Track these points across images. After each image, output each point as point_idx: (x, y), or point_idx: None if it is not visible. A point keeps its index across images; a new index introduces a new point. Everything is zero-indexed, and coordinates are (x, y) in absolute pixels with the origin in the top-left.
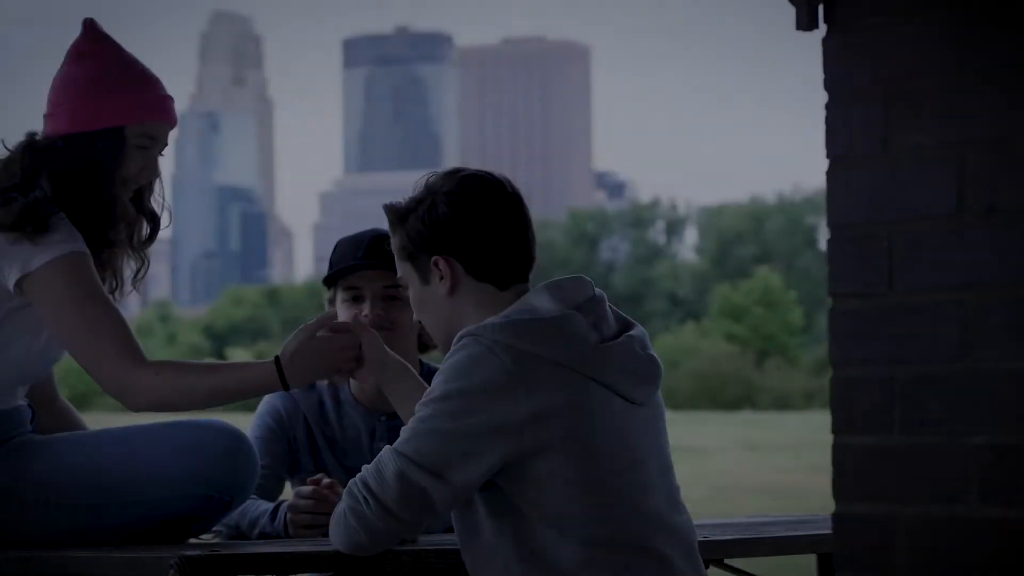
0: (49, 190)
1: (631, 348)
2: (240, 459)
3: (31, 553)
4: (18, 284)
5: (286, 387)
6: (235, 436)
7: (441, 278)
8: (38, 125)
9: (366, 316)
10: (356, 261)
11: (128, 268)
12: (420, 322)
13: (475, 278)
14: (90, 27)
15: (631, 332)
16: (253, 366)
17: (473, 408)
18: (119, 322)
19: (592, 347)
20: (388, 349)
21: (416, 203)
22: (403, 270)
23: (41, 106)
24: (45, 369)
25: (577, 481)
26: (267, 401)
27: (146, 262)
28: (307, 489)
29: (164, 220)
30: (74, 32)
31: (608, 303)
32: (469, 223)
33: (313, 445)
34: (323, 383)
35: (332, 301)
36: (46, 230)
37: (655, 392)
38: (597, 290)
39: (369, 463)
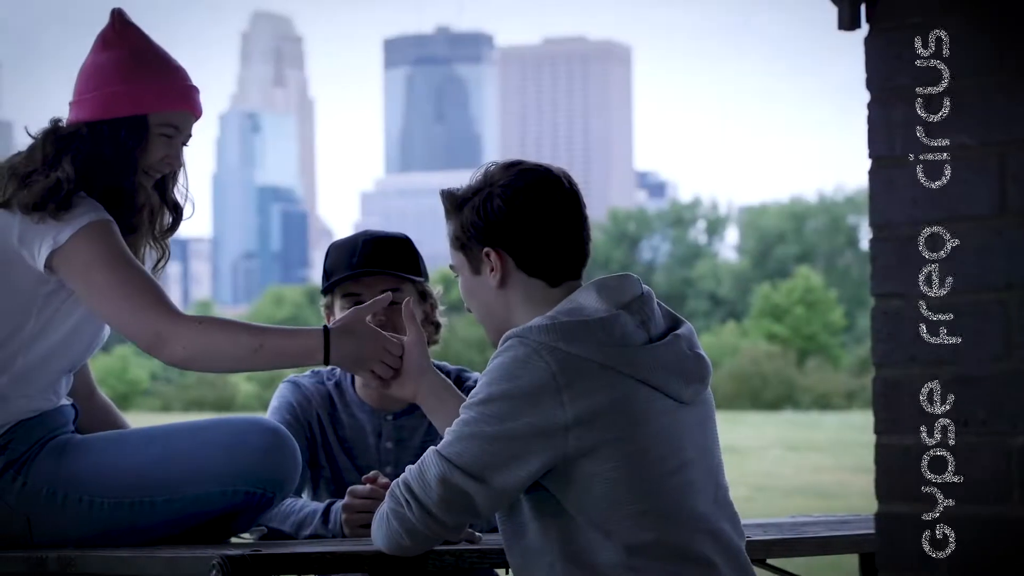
0: (72, 173)
1: (678, 347)
2: (281, 456)
3: (73, 552)
4: (48, 263)
5: (327, 361)
6: (276, 433)
7: (492, 270)
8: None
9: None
10: (353, 267)
11: (149, 259)
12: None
13: (526, 273)
14: (118, 16)
15: (678, 331)
16: (300, 333)
17: (517, 411)
18: (152, 281)
19: (638, 348)
20: (430, 361)
21: (473, 193)
22: (455, 259)
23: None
24: (85, 355)
25: (624, 483)
26: (281, 395)
27: (166, 252)
28: (363, 488)
29: (187, 211)
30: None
31: (656, 301)
32: (523, 218)
33: (325, 442)
34: (332, 379)
35: (330, 308)
36: (69, 207)
37: (704, 391)
38: (645, 288)
39: (377, 463)
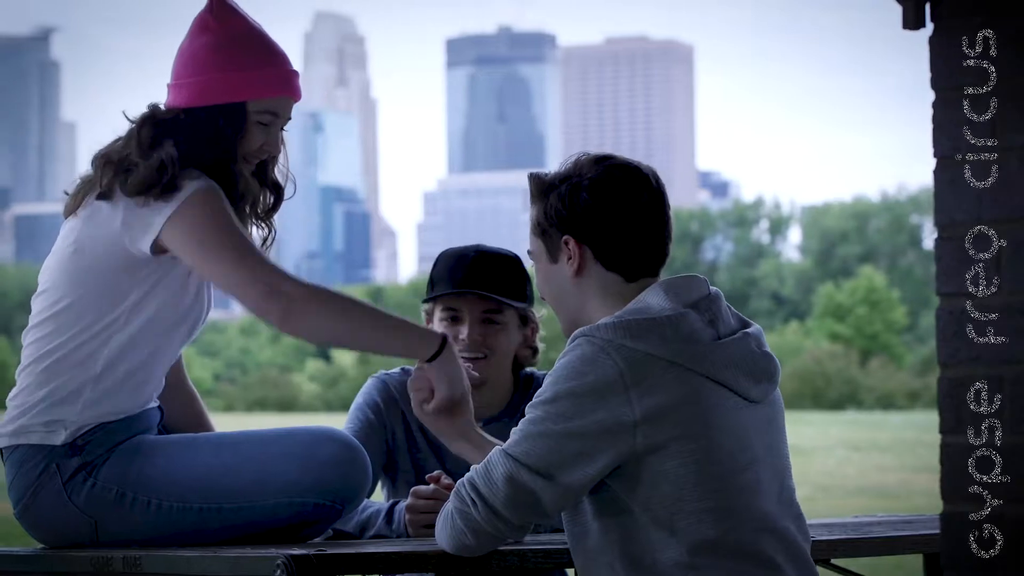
0: (175, 155)
1: (747, 345)
2: (353, 468)
3: (138, 552)
4: (156, 240)
5: (431, 360)
6: (348, 446)
7: (569, 259)
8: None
9: (463, 339)
10: (456, 284)
11: (256, 239)
12: (517, 343)
13: (603, 266)
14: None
15: (748, 330)
16: (421, 329)
17: (584, 409)
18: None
19: (707, 345)
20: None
21: (560, 180)
22: (534, 245)
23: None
24: (183, 344)
25: (691, 480)
26: (367, 392)
27: (272, 231)
28: (427, 489)
29: (288, 191)
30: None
31: (724, 302)
32: (606, 213)
33: (412, 444)
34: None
35: (429, 315)
36: (175, 188)
37: (772, 390)
38: (713, 288)
39: (467, 468)
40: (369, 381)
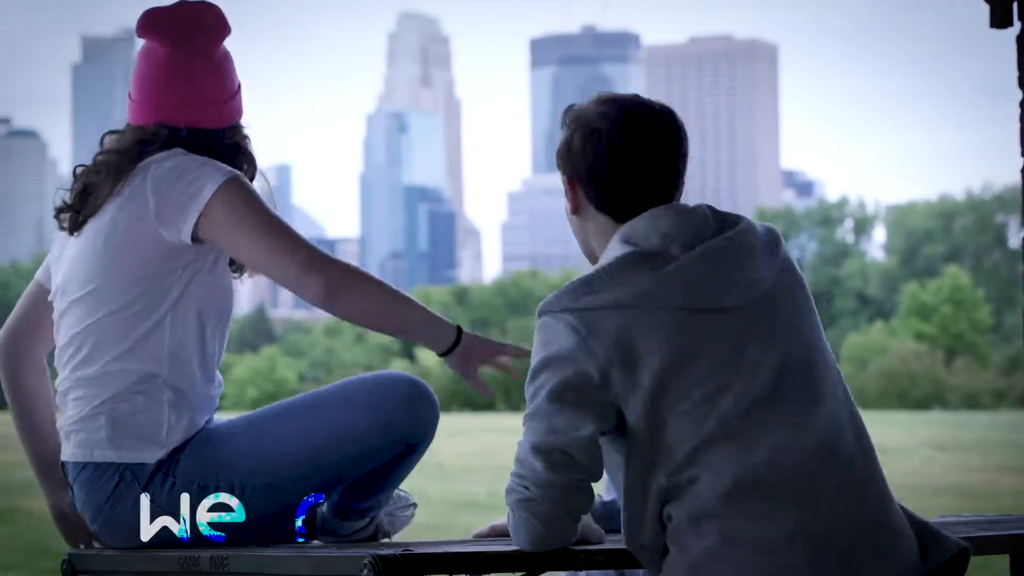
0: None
1: (703, 257)
2: (421, 405)
3: (224, 551)
4: (195, 230)
5: (447, 352)
6: (414, 384)
7: (568, 197)
8: None
9: None
10: None
11: None
12: None
13: (594, 207)
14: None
15: (726, 234)
16: (442, 322)
17: (559, 370)
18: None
19: (650, 275)
20: None
21: (564, 118)
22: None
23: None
24: (225, 336)
25: (680, 413)
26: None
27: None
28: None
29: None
30: (257, 37)
31: (709, 211)
32: (584, 152)
33: None
34: None
35: None
36: (204, 177)
37: (759, 287)
38: (689, 206)
39: None
40: None
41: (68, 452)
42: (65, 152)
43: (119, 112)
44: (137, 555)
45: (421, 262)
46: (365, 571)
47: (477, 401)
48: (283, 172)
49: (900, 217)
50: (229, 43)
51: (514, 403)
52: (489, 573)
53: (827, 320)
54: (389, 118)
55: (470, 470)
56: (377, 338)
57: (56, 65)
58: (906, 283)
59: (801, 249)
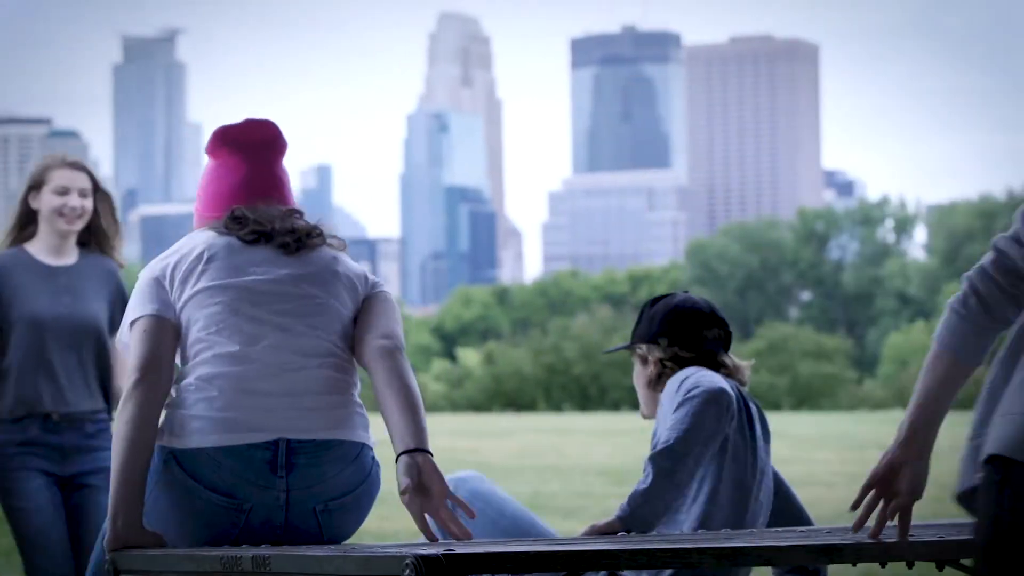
0: None
1: None
2: None
3: (267, 551)
4: None
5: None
6: None
7: None
8: None
9: None
10: None
11: None
12: None
13: None
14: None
15: None
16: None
17: None
18: None
19: None
20: None
21: None
22: None
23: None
24: None
25: None
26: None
27: None
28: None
29: None
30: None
31: None
32: None
33: None
34: None
35: None
36: None
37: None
38: None
39: None
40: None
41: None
42: (106, 152)
43: (159, 112)
44: (179, 554)
45: (462, 262)
46: (407, 571)
47: (519, 401)
48: (323, 172)
49: (941, 217)
50: (274, 42)
51: (555, 403)
52: (531, 573)
53: (868, 320)
54: (430, 118)
55: (512, 471)
56: (416, 337)
57: (97, 65)
58: (947, 283)
59: (842, 249)
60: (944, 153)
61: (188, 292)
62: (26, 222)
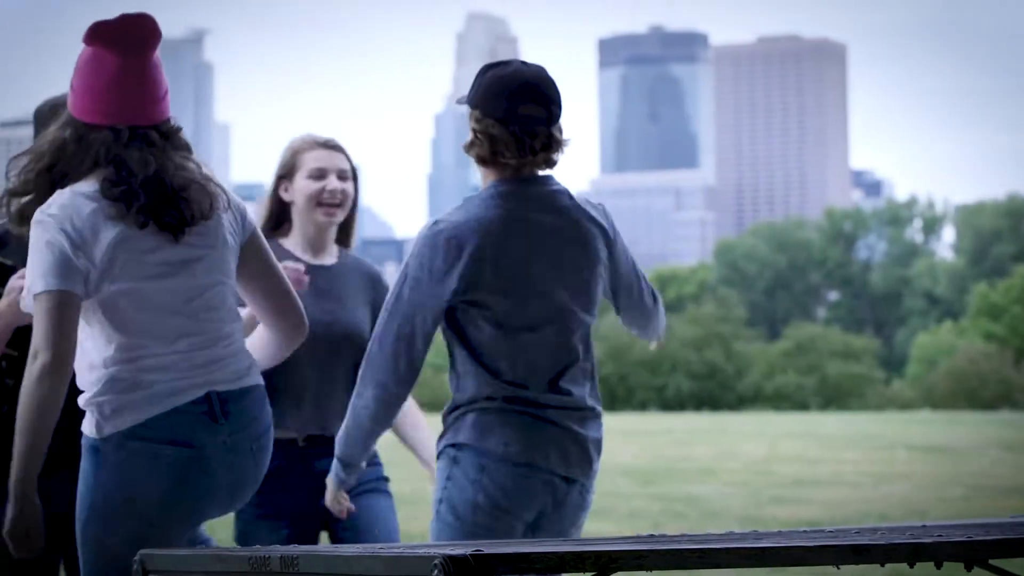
0: None
1: None
2: None
3: (295, 551)
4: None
5: None
6: None
7: None
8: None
9: None
10: None
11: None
12: None
13: None
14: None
15: None
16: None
17: None
18: None
19: None
20: None
21: None
22: None
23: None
24: None
25: None
26: None
27: None
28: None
29: None
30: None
31: None
32: None
33: None
34: None
35: None
36: None
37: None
38: None
39: None
40: None
41: None
42: None
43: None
44: (208, 555)
45: None
46: (436, 571)
47: None
48: None
49: (969, 217)
50: (301, 42)
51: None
52: (560, 573)
53: (896, 320)
54: (457, 119)
55: None
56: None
57: None
58: (975, 283)
59: (870, 249)
60: (972, 153)
61: (95, 281)
62: (280, 220)
